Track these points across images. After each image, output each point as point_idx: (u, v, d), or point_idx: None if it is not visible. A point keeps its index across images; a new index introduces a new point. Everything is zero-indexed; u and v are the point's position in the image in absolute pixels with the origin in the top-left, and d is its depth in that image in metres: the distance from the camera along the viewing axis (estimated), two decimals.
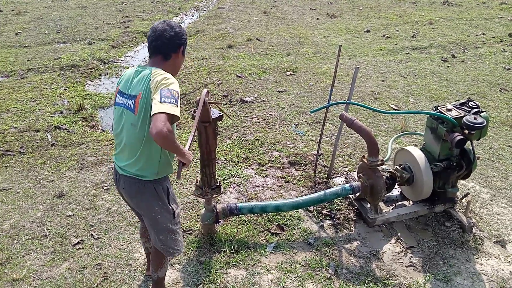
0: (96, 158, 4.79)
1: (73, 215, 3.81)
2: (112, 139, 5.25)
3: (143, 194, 2.43)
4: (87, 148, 5.04)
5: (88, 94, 6.87)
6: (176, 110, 2.16)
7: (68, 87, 7.02)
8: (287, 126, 5.53)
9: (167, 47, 2.39)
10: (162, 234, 2.54)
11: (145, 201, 2.45)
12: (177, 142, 2.22)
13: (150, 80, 2.24)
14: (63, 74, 7.64)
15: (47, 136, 5.31)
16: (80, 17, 12.70)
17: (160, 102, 2.11)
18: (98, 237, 3.52)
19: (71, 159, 4.80)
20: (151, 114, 2.12)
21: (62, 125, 5.57)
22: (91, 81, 7.66)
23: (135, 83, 2.32)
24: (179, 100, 2.20)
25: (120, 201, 4.00)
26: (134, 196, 2.46)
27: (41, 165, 4.71)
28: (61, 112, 6.00)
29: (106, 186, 4.23)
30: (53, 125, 5.57)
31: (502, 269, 3.21)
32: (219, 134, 5.30)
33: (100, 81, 7.75)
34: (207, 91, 2.77)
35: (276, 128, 5.46)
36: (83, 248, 3.41)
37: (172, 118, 2.13)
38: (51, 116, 5.86)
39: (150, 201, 2.45)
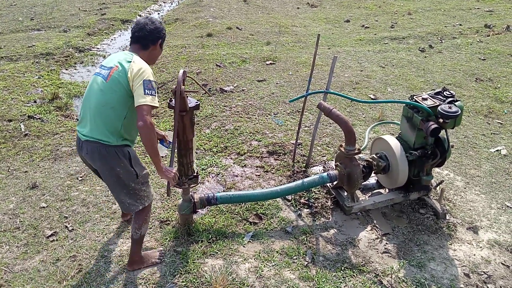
0: (70, 148, 4.69)
1: (46, 206, 3.73)
2: None
3: (106, 157, 2.66)
4: (62, 138, 4.92)
5: (63, 82, 6.69)
6: (156, 102, 2.56)
7: (42, 76, 6.82)
8: (267, 116, 5.52)
9: (147, 38, 2.73)
10: (125, 193, 2.77)
11: (108, 164, 2.67)
12: (155, 144, 2.57)
13: (130, 62, 2.60)
14: (37, 62, 7.42)
15: (20, 126, 5.16)
16: (55, 3, 12.33)
17: (144, 94, 2.48)
18: (72, 229, 3.45)
19: (44, 149, 4.68)
20: (136, 105, 2.49)
21: (35, 115, 5.42)
22: (66, 69, 7.46)
23: (115, 59, 2.67)
24: (157, 90, 2.60)
25: (96, 192, 3.93)
26: (97, 159, 2.67)
27: (14, 155, 4.58)
28: (35, 101, 5.83)
29: (81, 177, 4.15)
30: (27, 114, 5.41)
31: (474, 255, 3.30)
32: (198, 124, 5.25)
33: (75, 69, 7.55)
34: (184, 71, 2.75)
35: (256, 118, 5.45)
36: (57, 240, 3.34)
37: (153, 109, 2.54)
38: (24, 106, 5.69)
39: (112, 164, 2.67)
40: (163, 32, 2.80)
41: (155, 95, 2.55)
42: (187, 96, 2.90)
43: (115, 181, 2.73)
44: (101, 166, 2.69)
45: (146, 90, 2.49)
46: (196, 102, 2.97)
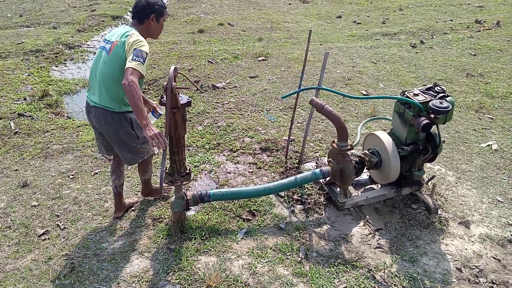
0: (61, 146, 4.64)
1: (38, 205, 3.69)
2: (78, 127, 5.11)
3: (111, 122, 3.04)
4: (52, 136, 4.88)
5: (53, 80, 6.62)
6: (142, 69, 2.76)
7: (32, 73, 6.75)
8: (259, 112, 5.51)
9: (140, 13, 3.03)
10: (127, 150, 3.19)
11: (112, 127, 3.06)
12: (140, 100, 2.71)
13: (128, 36, 2.89)
14: (26, 59, 7.33)
15: (10, 123, 5.10)
16: None
17: (131, 60, 2.74)
18: (64, 227, 3.43)
19: (35, 147, 4.63)
20: (125, 68, 2.74)
21: (25, 112, 5.36)
22: (56, 66, 7.38)
23: (116, 34, 2.98)
24: (146, 60, 2.82)
25: (87, 190, 3.90)
26: (103, 124, 3.06)
27: (4, 154, 4.53)
28: (25, 99, 5.77)
29: (72, 175, 4.12)
30: (16, 112, 5.35)
31: (466, 249, 3.33)
32: (190, 121, 5.23)
33: (65, 66, 7.48)
34: (175, 67, 2.74)
35: (248, 114, 5.44)
36: (48, 238, 3.32)
37: (139, 74, 2.74)
38: (14, 103, 5.63)
39: (116, 128, 3.06)
40: (155, 7, 3.03)
41: (142, 63, 2.77)
42: (179, 93, 2.89)
43: (119, 142, 3.14)
44: (106, 129, 3.08)
45: (134, 57, 2.75)
46: (188, 99, 2.96)
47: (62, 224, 3.46)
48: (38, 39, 8.38)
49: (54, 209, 3.64)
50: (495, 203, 3.86)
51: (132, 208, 3.66)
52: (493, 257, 3.25)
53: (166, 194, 3.82)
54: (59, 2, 12.03)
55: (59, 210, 3.63)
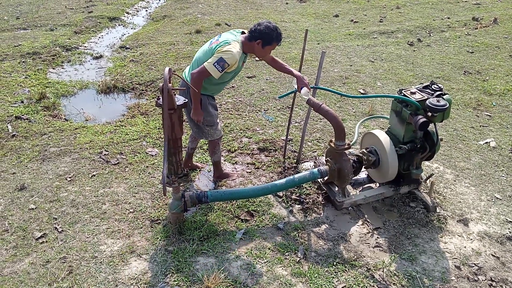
0: (59, 148, 4.63)
1: (35, 208, 3.68)
2: (76, 129, 5.09)
3: (189, 98, 3.44)
4: (50, 138, 4.86)
5: (50, 82, 6.59)
6: (214, 72, 3.23)
7: (29, 75, 6.73)
8: (257, 112, 5.50)
9: (253, 34, 3.35)
10: (193, 124, 3.68)
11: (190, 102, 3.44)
12: (196, 89, 3.24)
13: (228, 43, 3.30)
14: (23, 61, 7.31)
15: (7, 126, 5.09)
16: (41, 2, 12.14)
17: (210, 61, 3.21)
18: (62, 230, 3.42)
19: (33, 150, 4.62)
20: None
21: (23, 115, 5.34)
22: (53, 68, 7.36)
23: (224, 35, 3.46)
24: (224, 69, 3.24)
25: (85, 192, 3.89)
26: (187, 97, 3.45)
27: (1, 157, 4.51)
28: (22, 102, 5.75)
29: (70, 178, 4.10)
30: (14, 115, 5.33)
31: (465, 247, 3.32)
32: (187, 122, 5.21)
33: (62, 68, 7.45)
34: (170, 68, 2.73)
35: (246, 114, 5.43)
36: (46, 241, 3.30)
37: (205, 72, 3.23)
38: (11, 106, 5.61)
39: (190, 102, 3.40)
40: (265, 36, 3.32)
41: (217, 69, 3.20)
42: (175, 94, 2.88)
43: (189, 115, 3.58)
44: (188, 102, 3.34)
45: (215, 63, 3.19)
46: (184, 100, 2.95)
47: (60, 227, 3.45)
48: (35, 42, 8.36)
49: (51, 212, 3.63)
50: (493, 200, 3.86)
51: (197, 169, 4.24)
52: (492, 255, 3.25)
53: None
54: (56, 4, 12.00)
55: (56, 213, 3.62)
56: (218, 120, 3.74)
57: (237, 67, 3.41)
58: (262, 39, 3.33)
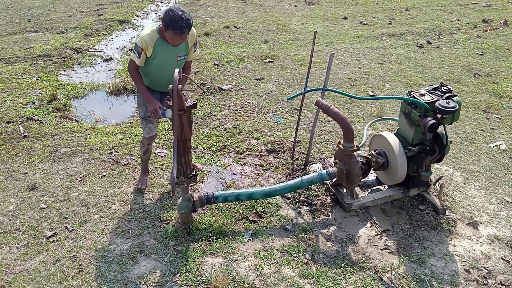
0: (69, 149, 4.68)
1: (46, 207, 3.73)
2: (86, 130, 5.15)
3: None
4: (60, 139, 4.92)
5: (61, 84, 6.68)
6: (133, 57, 3.41)
7: (40, 77, 6.82)
8: (265, 114, 5.52)
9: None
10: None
11: None
12: (135, 80, 3.52)
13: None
14: (35, 64, 7.41)
15: (19, 127, 5.16)
16: (52, 5, 12.31)
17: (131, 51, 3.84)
18: (72, 229, 3.46)
19: (44, 150, 4.68)
20: None
21: (34, 116, 5.42)
22: (64, 70, 7.45)
23: None
24: (138, 48, 3.35)
25: (95, 192, 3.94)
26: None
27: (13, 157, 4.58)
28: (33, 103, 5.83)
29: (80, 178, 4.15)
30: (25, 116, 5.41)
31: (474, 250, 3.30)
32: (197, 123, 5.25)
33: (73, 70, 7.54)
34: (180, 70, 2.75)
35: (254, 116, 5.45)
36: (57, 240, 3.34)
37: (131, 61, 3.46)
38: (23, 107, 5.69)
39: None
40: (163, 21, 3.22)
41: (135, 54, 3.38)
42: (185, 95, 2.91)
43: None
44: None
45: (133, 50, 3.39)
46: (194, 101, 2.98)
47: (70, 226, 3.49)
48: (46, 44, 8.47)
49: (62, 212, 3.68)
50: (503, 203, 3.83)
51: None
52: (501, 258, 3.22)
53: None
54: (67, 7, 12.16)
55: (67, 212, 3.66)
56: (152, 119, 3.65)
57: (154, 52, 3.37)
58: (162, 21, 3.26)
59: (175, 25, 3.15)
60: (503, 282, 3.01)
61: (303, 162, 4.35)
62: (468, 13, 10.82)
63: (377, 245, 3.33)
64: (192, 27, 3.43)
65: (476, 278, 3.04)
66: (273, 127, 5.14)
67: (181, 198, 3.30)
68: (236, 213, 3.64)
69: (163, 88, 3.68)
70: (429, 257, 3.21)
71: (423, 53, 8.05)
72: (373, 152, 3.75)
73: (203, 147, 4.71)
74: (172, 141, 3.08)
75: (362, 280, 2.99)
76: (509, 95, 6.05)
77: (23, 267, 3.09)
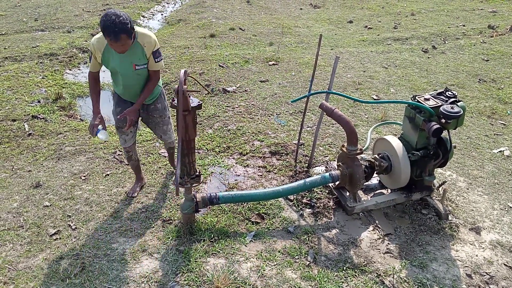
0: (74, 148, 4.71)
1: (50, 205, 3.75)
2: None
3: None
4: (65, 137, 4.95)
5: (66, 83, 6.72)
6: (88, 64, 3.41)
7: (46, 76, 6.86)
8: (269, 116, 5.53)
9: None
10: None
11: None
12: (91, 89, 3.46)
13: None
14: (41, 62, 7.46)
15: (24, 125, 5.19)
16: (59, 4, 12.39)
17: None
18: (75, 228, 3.47)
19: (48, 149, 4.71)
20: None
21: (39, 115, 5.45)
22: (70, 69, 7.50)
23: None
24: (89, 52, 3.32)
25: (99, 191, 3.96)
26: None
27: (18, 155, 4.61)
28: (39, 101, 5.87)
29: (84, 176, 4.17)
30: (30, 114, 5.45)
31: (477, 255, 3.29)
32: (200, 124, 5.27)
33: (79, 69, 7.59)
34: (185, 71, 2.77)
35: (258, 118, 5.46)
36: (60, 238, 3.36)
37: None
38: (28, 105, 5.73)
39: None
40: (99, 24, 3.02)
41: (89, 60, 3.35)
42: (190, 96, 2.92)
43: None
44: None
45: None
46: (198, 102, 2.99)
47: (74, 224, 3.51)
48: (52, 43, 8.52)
49: (66, 210, 3.69)
50: (506, 209, 3.82)
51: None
52: (504, 264, 3.21)
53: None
54: (73, 6, 12.23)
55: (70, 211, 3.68)
56: (125, 130, 3.46)
57: (104, 58, 3.23)
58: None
59: (107, 31, 2.94)
60: None
61: (306, 164, 4.36)
62: (474, 18, 10.81)
63: (379, 249, 3.33)
64: (151, 35, 3.22)
65: (478, 284, 3.03)
66: (277, 129, 5.15)
67: (184, 198, 3.31)
68: (238, 214, 3.65)
69: (132, 98, 3.47)
70: (431, 261, 3.21)
71: (428, 58, 8.05)
72: (376, 155, 3.75)
73: (206, 148, 4.72)
74: (176, 141, 3.07)
75: (364, 284, 2.99)
76: None
77: (26, 264, 3.11)
